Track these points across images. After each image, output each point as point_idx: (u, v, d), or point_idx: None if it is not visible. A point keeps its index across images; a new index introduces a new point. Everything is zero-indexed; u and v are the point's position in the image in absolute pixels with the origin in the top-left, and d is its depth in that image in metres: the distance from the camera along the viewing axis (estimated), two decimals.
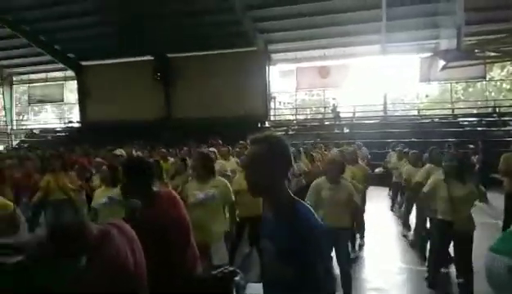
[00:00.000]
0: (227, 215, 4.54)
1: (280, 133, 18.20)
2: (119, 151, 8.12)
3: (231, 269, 2.04)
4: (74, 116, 24.21)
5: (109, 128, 19.47)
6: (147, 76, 20.21)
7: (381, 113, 19.17)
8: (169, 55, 20.62)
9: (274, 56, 20.03)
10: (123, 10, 16.91)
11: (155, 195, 2.46)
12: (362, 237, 6.67)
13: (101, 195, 4.74)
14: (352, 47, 18.43)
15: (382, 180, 11.40)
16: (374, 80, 19.29)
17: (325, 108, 21.23)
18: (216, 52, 19.51)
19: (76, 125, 23.47)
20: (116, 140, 15.24)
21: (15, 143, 23.25)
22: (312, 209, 1.62)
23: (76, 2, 16.98)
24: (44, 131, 24.53)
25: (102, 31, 19.08)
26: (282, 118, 21.54)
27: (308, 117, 22.97)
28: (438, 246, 4.69)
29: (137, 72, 20.43)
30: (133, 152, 9.37)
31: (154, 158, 7.67)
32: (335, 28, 16.93)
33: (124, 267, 1.81)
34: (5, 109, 25.46)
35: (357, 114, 19.87)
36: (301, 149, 9.49)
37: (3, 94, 25.17)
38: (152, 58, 20.36)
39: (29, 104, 26.69)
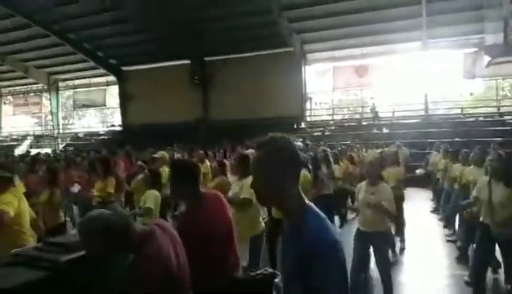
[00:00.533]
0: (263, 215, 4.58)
1: (316, 134, 18.15)
2: (160, 154, 8.33)
3: (271, 270, 2.04)
4: (116, 119, 25.03)
5: (148, 131, 20.03)
6: (185, 79, 20.61)
7: (422, 112, 18.56)
8: (206, 59, 20.95)
9: (310, 56, 19.89)
10: (161, 16, 17.39)
11: (202, 196, 2.50)
12: (403, 240, 6.49)
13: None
14: (391, 45, 17.98)
15: (423, 182, 11.05)
16: (414, 78, 18.67)
17: (362, 107, 20.82)
18: (252, 54, 19.62)
19: (118, 128, 24.28)
20: (156, 143, 15.69)
21: (61, 146, 24.34)
22: (325, 219, 1.43)
23: (117, 10, 17.61)
24: (88, 134, 25.57)
25: (142, 37, 19.72)
26: (318, 118, 21.30)
27: (345, 117, 22.62)
28: (481, 250, 4.47)
29: (175, 75, 20.88)
30: (174, 154, 9.55)
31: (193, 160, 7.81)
32: (373, 26, 16.58)
33: (166, 266, 1.87)
34: (52, 113, 26.77)
35: (396, 114, 19.33)
36: (336, 150, 9.36)
37: (50, 99, 26.47)
38: (189, 62, 20.75)
39: (74, 108, 27.89)
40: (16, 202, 3.45)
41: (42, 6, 17.95)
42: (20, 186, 4.63)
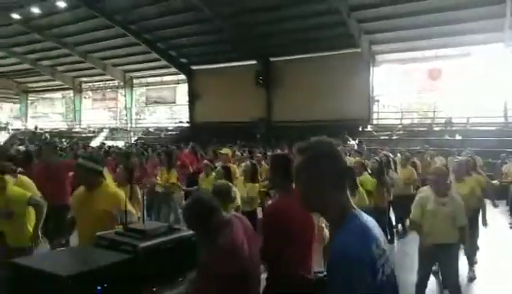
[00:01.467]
0: None
1: (383, 137, 17.56)
2: (225, 150, 8.66)
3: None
4: (184, 116, 26.09)
5: (214, 128, 20.69)
6: (250, 79, 20.94)
7: (500, 120, 17.24)
8: (272, 59, 21.12)
9: (379, 57, 19.27)
10: (231, 18, 17.88)
11: (293, 191, 2.52)
12: (474, 254, 6.10)
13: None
14: (467, 47, 16.91)
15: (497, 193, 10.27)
16: (493, 82, 17.37)
17: (434, 112, 19.77)
18: (318, 55, 19.43)
19: (185, 125, 25.29)
20: (220, 140, 16.16)
21: (133, 139, 25.86)
22: (365, 231, 1.36)
23: (189, 11, 18.36)
24: (158, 129, 26.90)
25: (212, 38, 20.42)
26: (386, 122, 20.58)
27: (415, 121, 21.61)
28: None
29: (242, 75, 21.28)
30: (235, 152, 9.82)
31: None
32: (448, 27, 15.66)
33: (239, 254, 1.98)
34: (126, 108, 28.57)
35: (471, 120, 18.11)
36: (398, 155, 9.04)
37: (125, 95, 28.25)
38: (255, 62, 21.06)
39: (146, 104, 29.52)
40: None
41: (122, 7, 19.22)
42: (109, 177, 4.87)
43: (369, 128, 19.16)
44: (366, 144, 15.62)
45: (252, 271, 2.03)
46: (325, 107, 18.73)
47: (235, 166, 7.78)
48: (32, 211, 4.07)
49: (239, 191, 5.70)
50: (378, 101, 20.05)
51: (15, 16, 21.40)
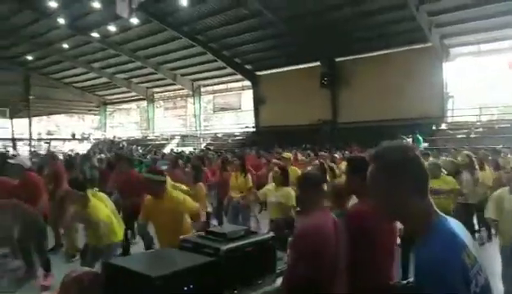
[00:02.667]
0: None
1: (459, 136, 16.47)
2: (286, 155, 8.78)
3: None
4: (249, 121, 26.53)
5: (279, 132, 20.80)
6: (315, 81, 20.74)
7: None
8: (337, 60, 20.78)
9: (452, 51, 18.15)
10: (294, 20, 17.91)
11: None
12: None
13: (271, 194, 5.38)
14: None
15: None
16: None
17: None
18: (385, 52, 18.79)
19: (251, 129, 25.71)
20: (285, 144, 16.19)
21: (202, 145, 26.80)
22: (453, 239, 1.26)
23: (253, 17, 18.70)
24: (225, 135, 27.65)
25: (275, 42, 20.66)
26: (462, 119, 19.27)
27: (495, 118, 19.99)
28: None
29: (305, 78, 21.18)
30: (296, 154, 9.83)
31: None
32: None
33: (326, 248, 2.01)
34: (195, 116, 29.72)
35: None
36: (482, 155, 8.43)
37: (194, 103, 29.43)
38: (319, 64, 20.86)
39: (214, 111, 30.49)
40: None
41: (189, 19, 20.05)
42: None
43: (443, 126, 18.10)
44: (441, 143, 14.76)
45: (335, 272, 2.04)
46: (394, 106, 18.02)
47: (296, 168, 7.81)
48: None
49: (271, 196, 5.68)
50: (452, 97, 18.85)
51: (95, 35, 23.24)
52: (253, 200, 6.77)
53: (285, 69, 22.67)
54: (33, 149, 26.60)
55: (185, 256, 2.20)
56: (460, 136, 16.65)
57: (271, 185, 5.68)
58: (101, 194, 5.18)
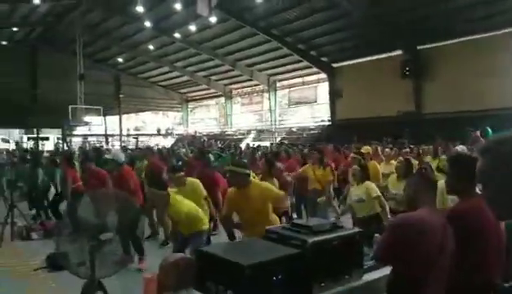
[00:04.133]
0: None
1: None
2: (365, 149, 8.51)
3: None
4: (325, 115, 26.14)
5: (356, 125, 20.18)
6: (395, 71, 19.82)
7: None
8: (419, 48, 19.62)
9: None
10: (372, 8, 17.23)
11: (479, 198, 2.21)
12: None
13: (353, 193, 5.28)
14: None
15: None
16: None
17: None
18: (472, 37, 17.36)
19: (327, 123, 25.33)
20: (363, 137, 15.68)
21: (277, 139, 27.01)
22: None
23: (328, 9, 18.40)
24: (300, 129, 27.57)
25: (351, 33, 20.12)
26: None
27: None
28: None
29: (385, 68, 20.34)
30: (377, 148, 9.41)
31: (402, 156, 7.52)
32: None
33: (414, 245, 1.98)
34: (270, 110, 30.04)
35: None
36: None
37: (269, 98, 29.74)
38: (400, 52, 19.86)
39: (289, 105, 30.54)
40: None
41: (265, 14, 20.26)
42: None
43: None
44: None
45: (438, 270, 1.99)
46: (484, 95, 16.60)
47: (375, 163, 7.54)
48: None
49: (393, 188, 5.52)
50: None
51: (177, 35, 24.49)
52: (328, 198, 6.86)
53: (363, 59, 21.93)
54: (123, 144, 28.95)
55: (271, 246, 2.26)
56: None
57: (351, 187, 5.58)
58: (193, 181, 5.53)
